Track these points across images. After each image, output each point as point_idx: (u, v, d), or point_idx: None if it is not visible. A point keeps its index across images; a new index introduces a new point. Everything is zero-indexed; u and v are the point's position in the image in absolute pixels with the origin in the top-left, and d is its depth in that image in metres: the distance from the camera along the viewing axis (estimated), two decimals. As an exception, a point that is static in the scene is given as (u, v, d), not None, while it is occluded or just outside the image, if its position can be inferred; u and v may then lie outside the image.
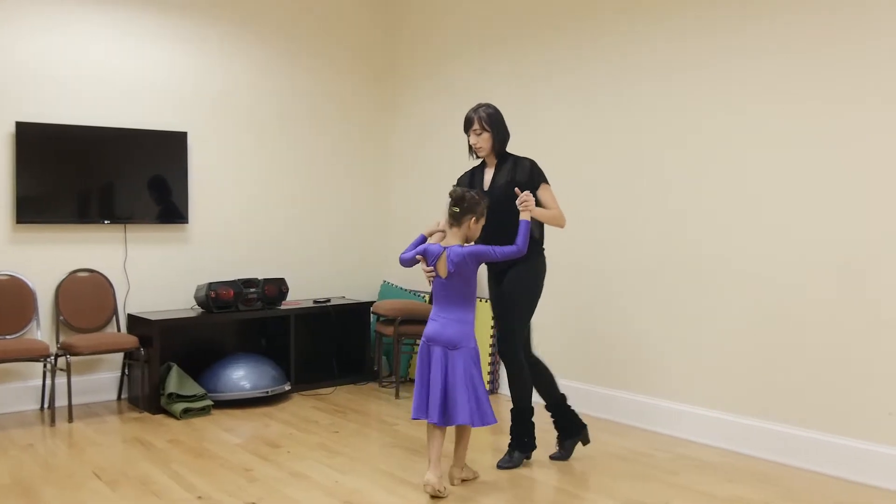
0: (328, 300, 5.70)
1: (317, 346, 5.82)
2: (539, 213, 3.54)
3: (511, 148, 3.83)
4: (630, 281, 4.51)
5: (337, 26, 6.07)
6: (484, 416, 3.34)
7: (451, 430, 3.56)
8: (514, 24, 5.23)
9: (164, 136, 5.19)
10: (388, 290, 6.11)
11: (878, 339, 3.47)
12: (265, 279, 5.25)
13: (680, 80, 4.25)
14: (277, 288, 5.28)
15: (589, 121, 4.74)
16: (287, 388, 5.12)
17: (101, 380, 5.06)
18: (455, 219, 3.41)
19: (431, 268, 3.43)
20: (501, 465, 3.70)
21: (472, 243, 3.51)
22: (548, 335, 5.00)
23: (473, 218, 3.42)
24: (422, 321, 5.14)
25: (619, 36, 4.55)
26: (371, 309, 5.64)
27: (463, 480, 3.49)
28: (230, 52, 5.54)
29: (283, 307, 5.35)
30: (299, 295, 5.88)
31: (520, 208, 3.45)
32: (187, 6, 5.34)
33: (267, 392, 4.93)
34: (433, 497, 3.30)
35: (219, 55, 5.49)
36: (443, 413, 3.34)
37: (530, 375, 3.74)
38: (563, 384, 4.88)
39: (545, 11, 5.00)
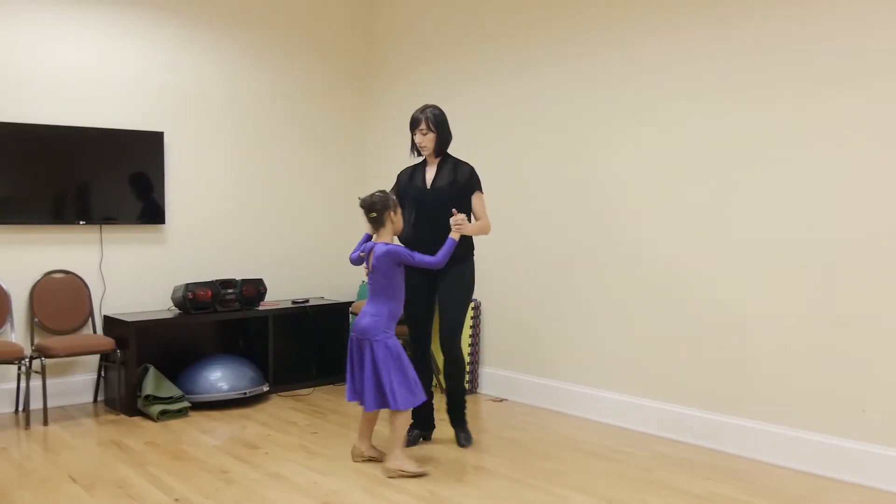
0: (307, 300, 5.69)
1: (295, 347, 5.80)
2: (469, 230, 3.77)
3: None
4: (601, 280, 4.54)
5: (314, 26, 6.06)
6: (389, 402, 3.52)
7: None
8: (488, 25, 5.25)
9: (141, 136, 5.15)
10: (366, 290, 6.10)
11: (853, 338, 3.52)
12: (243, 280, 5.22)
13: (630, 83, 4.28)
14: (255, 288, 5.26)
15: (553, 120, 4.77)
16: (265, 389, 5.10)
17: (77, 382, 5.02)
18: (376, 222, 3.70)
19: (367, 265, 3.72)
20: (464, 444, 4.03)
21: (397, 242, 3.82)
22: (519, 334, 5.03)
23: (391, 212, 3.68)
24: (400, 321, 5.14)
25: (586, 36, 4.58)
26: (350, 309, 5.64)
27: (401, 474, 3.55)
28: (206, 51, 5.51)
29: (261, 308, 5.33)
30: (277, 295, 5.87)
31: (452, 227, 3.70)
32: (164, 6, 5.30)
33: (245, 393, 4.92)
34: (388, 477, 3.53)
35: (195, 55, 5.46)
36: (365, 398, 3.59)
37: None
38: (538, 382, 4.90)
39: (518, 13, 5.02)
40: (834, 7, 3.57)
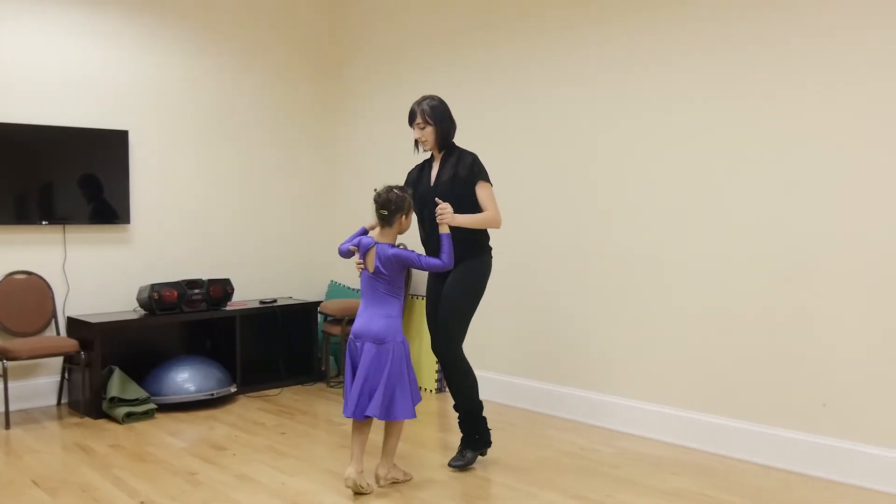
0: (275, 300, 5.66)
1: (263, 348, 5.76)
2: (461, 222, 3.45)
3: (463, 144, 3.80)
4: (574, 279, 4.57)
5: (282, 25, 6.03)
6: (407, 410, 3.33)
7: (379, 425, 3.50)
8: (458, 21, 5.25)
9: (105, 135, 5.08)
10: (335, 289, 6.09)
11: (812, 334, 3.58)
12: (210, 280, 5.18)
13: (628, 80, 4.32)
14: (222, 289, 5.22)
15: (535, 119, 4.79)
16: (233, 389, 5.06)
17: (40, 385, 4.94)
18: (385, 220, 3.43)
19: (361, 260, 3.44)
20: (453, 464, 3.65)
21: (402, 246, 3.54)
22: (494, 333, 5.04)
23: (403, 215, 3.42)
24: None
25: (558, 36, 4.60)
26: (318, 309, 5.62)
27: (394, 482, 3.44)
28: (172, 50, 5.46)
29: (228, 308, 5.29)
30: (245, 295, 5.83)
31: (437, 221, 3.44)
32: (128, 4, 5.24)
33: (212, 394, 4.88)
34: (355, 493, 3.31)
35: (161, 53, 5.40)
36: (372, 407, 3.28)
37: (472, 372, 3.66)
38: (510, 381, 4.92)
39: (490, 9, 5.03)
40: (816, 7, 3.63)
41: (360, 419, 3.32)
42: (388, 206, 3.40)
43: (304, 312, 5.72)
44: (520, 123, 4.87)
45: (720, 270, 3.92)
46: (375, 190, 3.47)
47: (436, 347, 3.63)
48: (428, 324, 3.80)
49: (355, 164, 6.15)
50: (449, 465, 3.67)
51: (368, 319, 3.38)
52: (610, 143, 4.38)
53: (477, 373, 5.13)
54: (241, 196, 5.84)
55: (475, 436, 3.70)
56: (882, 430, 3.38)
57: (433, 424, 4.48)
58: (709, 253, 3.96)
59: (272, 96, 5.99)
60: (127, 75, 5.26)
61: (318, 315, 5.74)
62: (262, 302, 5.58)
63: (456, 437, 4.19)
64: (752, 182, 3.79)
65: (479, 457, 3.76)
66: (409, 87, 5.63)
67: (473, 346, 5.20)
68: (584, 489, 3.41)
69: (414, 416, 3.36)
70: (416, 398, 3.39)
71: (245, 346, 5.49)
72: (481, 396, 5.05)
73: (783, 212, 3.68)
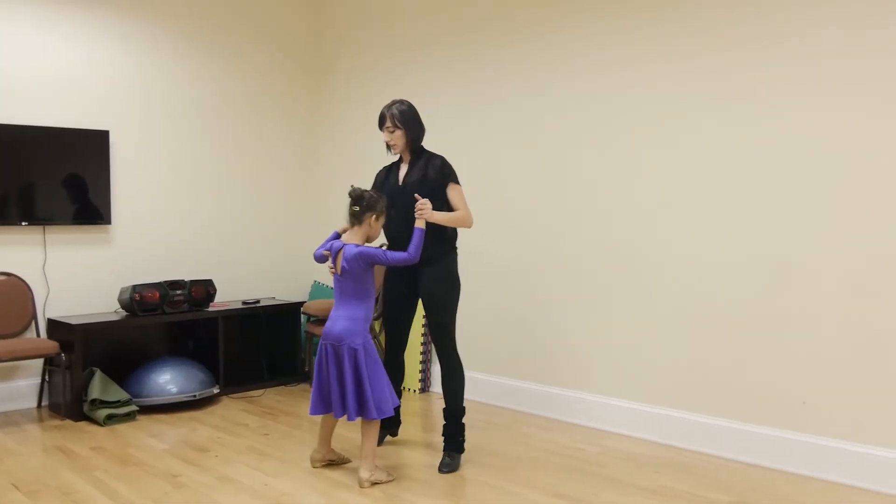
0: (257, 301, 5.63)
1: (246, 348, 5.73)
2: (438, 218, 3.55)
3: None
4: (560, 279, 4.58)
5: (264, 25, 6.00)
6: (369, 411, 3.37)
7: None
8: (442, 24, 5.25)
9: (85, 135, 5.04)
10: (318, 290, 6.07)
11: (791, 332, 3.61)
12: (192, 281, 5.15)
13: (605, 79, 4.33)
14: (205, 289, 5.19)
15: (513, 119, 4.79)
16: (215, 391, 5.03)
17: (20, 387, 4.89)
18: (356, 217, 3.49)
19: (332, 264, 3.51)
20: (443, 470, 3.64)
21: (375, 244, 3.60)
22: (474, 333, 5.05)
23: (374, 216, 3.48)
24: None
25: (536, 38, 4.61)
26: (301, 309, 5.60)
27: (374, 484, 3.43)
28: (153, 49, 5.42)
29: (210, 309, 5.26)
30: (228, 296, 5.80)
31: (415, 215, 3.51)
32: (109, 4, 5.20)
33: (195, 396, 4.85)
34: (361, 487, 3.40)
35: (141, 53, 5.36)
36: (339, 407, 3.43)
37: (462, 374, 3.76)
38: (491, 381, 4.93)
39: (474, 11, 5.04)
40: (805, 4, 3.65)
41: (319, 414, 3.50)
42: (361, 203, 3.47)
43: (287, 313, 5.69)
44: (501, 124, 4.88)
45: (703, 270, 3.94)
46: (352, 186, 3.55)
47: (437, 351, 3.72)
48: (386, 326, 3.88)
49: (338, 165, 6.14)
50: (440, 470, 3.66)
51: (333, 321, 3.46)
52: (591, 142, 4.39)
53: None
54: (223, 197, 5.81)
55: (459, 438, 3.74)
56: (862, 428, 3.41)
57: (417, 424, 4.48)
58: (691, 253, 3.98)
59: (254, 97, 5.96)
60: (108, 75, 5.21)
61: (301, 316, 5.72)
62: (244, 303, 5.55)
63: (440, 437, 4.20)
64: (736, 184, 3.82)
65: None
66: (392, 89, 5.62)
67: (466, 348, 5.20)
68: (569, 488, 3.42)
69: (388, 414, 3.40)
70: (383, 400, 3.39)
71: (228, 347, 5.46)
72: (469, 396, 5.08)
73: (766, 213, 3.71)
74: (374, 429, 3.44)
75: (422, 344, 5.30)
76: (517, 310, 4.82)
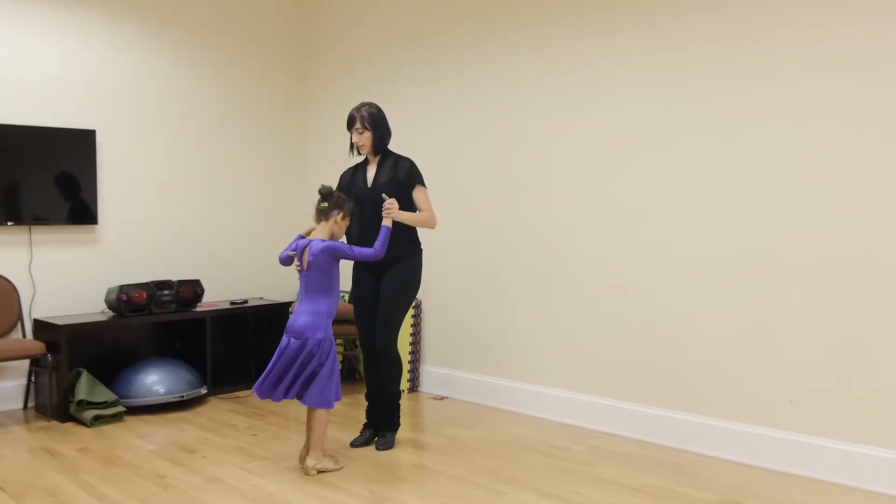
0: (245, 301, 5.63)
1: (234, 349, 5.73)
2: (404, 218, 3.73)
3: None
4: (540, 278, 4.60)
5: (250, 26, 5.99)
6: (313, 399, 3.50)
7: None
8: (427, 24, 5.26)
9: (72, 134, 5.02)
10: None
11: (778, 330, 3.64)
12: (179, 281, 5.14)
13: (573, 78, 4.35)
14: (192, 289, 5.18)
15: (491, 118, 4.81)
16: (203, 391, 5.03)
17: (6, 388, 4.87)
18: (323, 213, 3.65)
19: (299, 263, 3.63)
20: (381, 447, 3.94)
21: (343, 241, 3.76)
22: (465, 332, 5.06)
23: (340, 214, 3.66)
24: (339, 320, 5.13)
25: (512, 38, 4.63)
26: (289, 309, 5.59)
27: (321, 471, 3.57)
28: (140, 49, 5.40)
29: (198, 309, 5.25)
30: (215, 296, 5.79)
31: (383, 214, 3.67)
32: (95, 3, 5.17)
33: (182, 396, 4.84)
34: (307, 475, 3.55)
35: (128, 52, 5.35)
36: (284, 390, 3.55)
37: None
38: (477, 379, 4.94)
39: (455, 11, 5.04)
40: (779, 2, 3.68)
41: (262, 398, 3.62)
42: (329, 199, 3.63)
43: (275, 313, 5.69)
44: (466, 123, 4.89)
45: (688, 270, 3.96)
46: (322, 184, 3.73)
47: (377, 341, 3.89)
48: (357, 322, 4.02)
49: (325, 164, 6.13)
50: (377, 448, 3.93)
51: (296, 315, 3.59)
52: (556, 141, 4.41)
53: (449, 372, 5.16)
54: (211, 196, 5.80)
55: (394, 418, 4.02)
56: (847, 426, 3.44)
57: (406, 424, 4.48)
58: (675, 251, 4.00)
59: (242, 97, 5.95)
60: (95, 75, 5.19)
61: (289, 315, 5.71)
62: (232, 303, 5.55)
63: (430, 437, 4.21)
64: (710, 183, 3.84)
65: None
66: (379, 88, 5.63)
67: (443, 346, 5.21)
68: (555, 487, 3.43)
69: (328, 406, 3.53)
70: (329, 394, 3.53)
71: (215, 347, 5.46)
72: (456, 395, 5.11)
73: (745, 212, 3.73)
74: (322, 418, 3.56)
75: (410, 344, 5.31)
76: (504, 308, 4.83)
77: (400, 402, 4.03)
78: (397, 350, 3.95)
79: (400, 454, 3.92)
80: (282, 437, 4.25)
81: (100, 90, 5.23)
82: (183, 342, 5.45)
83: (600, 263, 4.33)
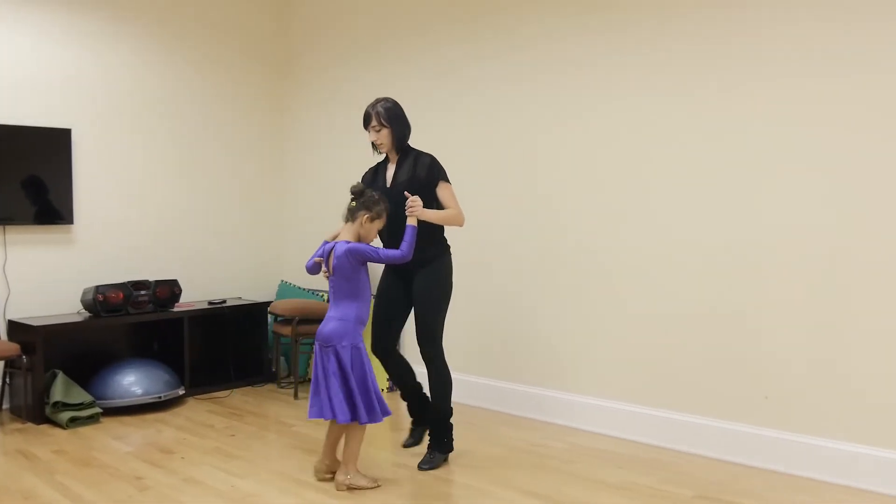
0: (224, 301, 5.59)
1: (212, 349, 5.68)
2: (430, 216, 3.51)
3: (414, 144, 3.84)
4: (525, 278, 4.61)
5: (228, 23, 5.95)
6: (360, 414, 3.29)
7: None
8: (409, 22, 5.25)
9: (46, 134, 4.96)
10: (286, 289, 6.04)
11: (753, 329, 3.67)
12: (157, 281, 5.09)
13: (583, 76, 4.36)
14: (170, 289, 5.14)
15: (488, 118, 4.81)
16: (181, 392, 4.98)
17: (-20, 390, 4.80)
18: (350, 213, 3.43)
19: (327, 269, 3.43)
20: (423, 466, 3.65)
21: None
22: (449, 331, 5.04)
23: (367, 216, 3.41)
24: (320, 320, 5.09)
25: (507, 35, 4.63)
26: (268, 309, 5.56)
27: (351, 487, 3.36)
28: (116, 47, 5.34)
29: (176, 309, 5.21)
30: (193, 296, 5.74)
31: (406, 213, 3.46)
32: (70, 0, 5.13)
33: (160, 397, 4.79)
34: (319, 480, 3.41)
35: (104, 50, 5.29)
36: (327, 409, 3.32)
37: (450, 375, 3.74)
38: (464, 379, 4.94)
39: (441, 8, 5.04)
40: (761, 2, 3.71)
41: (316, 418, 3.37)
42: (359, 198, 3.42)
43: (254, 313, 5.65)
44: (472, 122, 4.89)
45: (669, 270, 3.98)
46: (357, 181, 3.56)
47: (422, 352, 3.68)
48: (374, 326, 3.80)
49: (304, 162, 6.11)
50: (419, 467, 3.66)
51: (325, 322, 3.40)
52: (568, 144, 4.42)
53: (429, 371, 5.14)
54: (188, 195, 5.75)
55: (444, 439, 3.74)
56: (822, 422, 3.47)
57: (384, 424, 4.47)
58: (658, 253, 4.02)
59: (219, 94, 5.90)
60: (69, 72, 5.13)
61: (269, 315, 5.68)
62: (210, 303, 5.51)
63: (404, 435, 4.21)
64: (694, 183, 3.86)
65: (444, 461, 3.76)
66: (361, 86, 5.61)
67: (425, 345, 5.20)
68: (537, 485, 3.44)
69: (373, 420, 3.32)
70: (373, 405, 3.32)
71: (193, 347, 5.41)
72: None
73: (726, 211, 3.76)
74: (357, 433, 3.37)
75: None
76: (488, 309, 4.83)
77: (451, 421, 3.75)
78: (444, 361, 3.70)
79: (382, 453, 3.91)
80: (260, 438, 4.22)
81: (75, 89, 5.16)
82: (160, 343, 5.40)
83: (585, 262, 4.34)
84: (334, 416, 3.30)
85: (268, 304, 5.62)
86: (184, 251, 5.73)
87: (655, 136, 4.01)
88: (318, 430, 4.31)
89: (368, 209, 3.41)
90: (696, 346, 3.87)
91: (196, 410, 4.85)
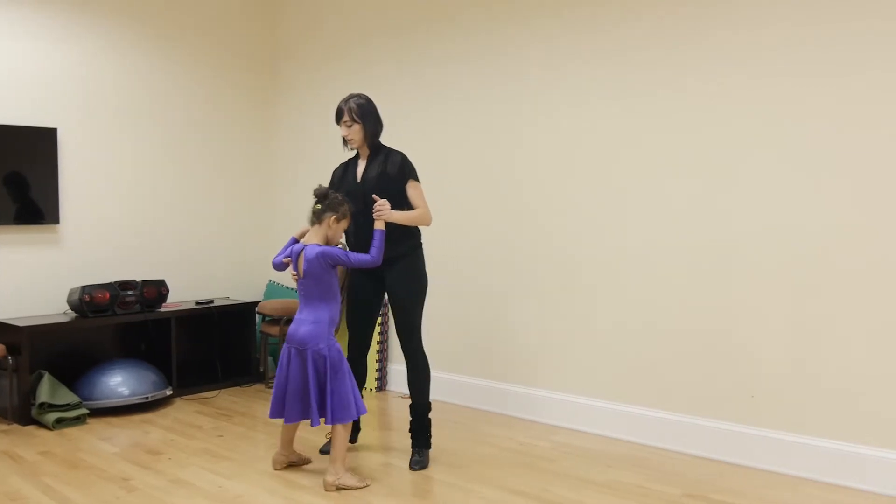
0: (211, 301, 5.57)
1: (200, 349, 5.67)
2: (397, 218, 3.53)
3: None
4: (508, 277, 4.62)
5: (215, 23, 5.93)
6: (336, 415, 3.35)
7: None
8: (397, 20, 5.25)
9: (32, 133, 4.93)
10: (273, 289, 6.03)
11: (739, 327, 3.70)
12: (144, 281, 5.08)
13: (562, 76, 4.38)
14: (157, 290, 5.12)
15: (468, 115, 4.82)
16: (168, 392, 4.97)
17: (-35, 391, 4.78)
18: (316, 216, 3.47)
19: (295, 270, 3.47)
20: (414, 467, 3.66)
21: (340, 246, 3.59)
22: (432, 330, 5.06)
23: (334, 217, 3.45)
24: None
25: (483, 36, 4.64)
26: (256, 309, 5.56)
27: (339, 488, 3.38)
28: (103, 45, 5.32)
29: (163, 309, 5.19)
30: (180, 296, 5.72)
31: (374, 217, 3.49)
32: (54, -3, 5.10)
33: (147, 398, 4.78)
34: (326, 490, 3.38)
35: (91, 49, 5.26)
36: (301, 411, 3.41)
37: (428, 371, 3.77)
38: (446, 378, 4.95)
39: (428, 7, 5.04)
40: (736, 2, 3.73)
41: (292, 422, 3.46)
42: (323, 201, 3.46)
43: (242, 313, 5.65)
44: (455, 120, 4.90)
45: (652, 267, 4.00)
46: (319, 184, 3.56)
47: (403, 348, 3.71)
48: (351, 328, 3.83)
49: (292, 162, 6.10)
50: (411, 468, 3.67)
51: (297, 324, 3.43)
52: (545, 143, 4.43)
53: (417, 371, 5.15)
54: (176, 195, 5.73)
55: (427, 434, 3.76)
56: (807, 421, 3.51)
57: (374, 424, 4.48)
58: (639, 250, 4.04)
59: (207, 93, 5.89)
60: (56, 71, 5.11)
61: (256, 315, 5.68)
62: (198, 303, 5.49)
63: (397, 435, 4.21)
64: (678, 180, 3.89)
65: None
66: (346, 85, 5.60)
67: (413, 345, 5.21)
68: (522, 484, 3.45)
69: (352, 418, 3.37)
70: (347, 404, 3.36)
71: (181, 347, 5.40)
72: (421, 394, 5.11)
73: (707, 209, 3.78)
74: (342, 433, 3.39)
75: (378, 343, 5.31)
76: (472, 308, 4.84)
77: (430, 415, 3.79)
78: (425, 355, 3.73)
79: (368, 453, 3.91)
80: (248, 438, 4.22)
81: (61, 88, 5.14)
82: (147, 343, 5.39)
83: (567, 261, 4.36)
84: (323, 418, 3.35)
85: (255, 304, 5.61)
86: (171, 251, 5.71)
87: (633, 135, 4.03)
88: (313, 432, 4.31)
89: (334, 211, 3.46)
90: (683, 345, 3.90)
91: (184, 411, 4.84)
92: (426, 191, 4.99)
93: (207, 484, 3.48)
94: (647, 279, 4.03)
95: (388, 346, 5.37)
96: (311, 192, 3.49)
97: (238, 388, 5.48)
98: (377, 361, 5.30)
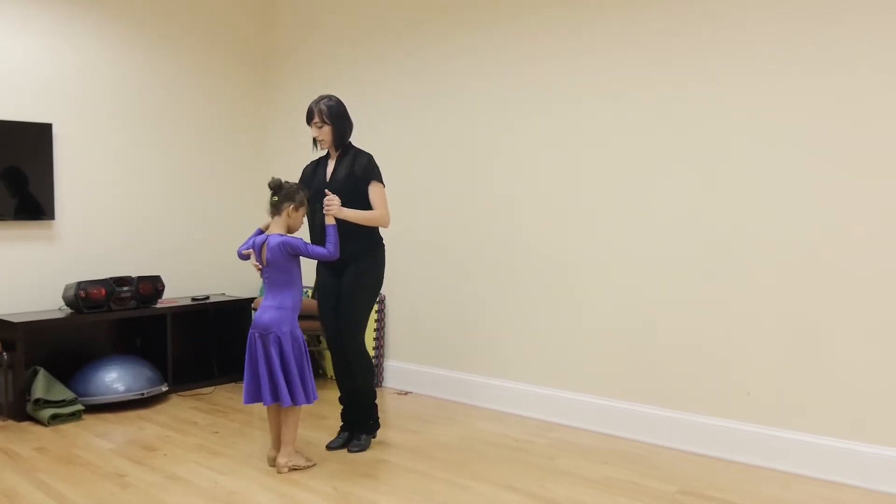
0: (207, 297, 5.57)
1: (196, 345, 5.67)
2: (348, 215, 3.65)
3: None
4: (502, 273, 4.62)
5: (211, 20, 5.92)
6: (297, 397, 3.49)
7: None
8: (391, 18, 5.24)
9: (27, 128, 4.92)
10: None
11: (735, 324, 3.70)
12: (139, 277, 5.07)
13: (528, 77, 4.38)
14: (152, 286, 5.11)
15: (448, 116, 4.81)
16: (164, 389, 4.97)
17: (-40, 387, 4.77)
18: (275, 207, 3.61)
19: (258, 261, 3.60)
20: (352, 450, 3.85)
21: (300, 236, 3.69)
22: (428, 326, 5.06)
23: (292, 206, 3.59)
24: (302, 316, 5.09)
25: (480, 36, 4.64)
26: (252, 305, 5.55)
27: (293, 468, 3.55)
28: (98, 41, 5.30)
29: (158, 306, 5.19)
30: (176, 293, 5.72)
31: (324, 212, 3.61)
32: (49, -8, 5.08)
33: (142, 394, 4.78)
34: (279, 473, 3.53)
35: (87, 45, 5.25)
36: (271, 394, 3.52)
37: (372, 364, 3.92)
38: (442, 374, 4.96)
39: (420, 6, 5.04)
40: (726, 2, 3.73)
41: (249, 403, 3.58)
42: (279, 192, 3.59)
43: (237, 309, 5.64)
44: (434, 120, 4.89)
45: (644, 261, 4.00)
46: (272, 177, 3.68)
47: (342, 343, 3.83)
48: (322, 319, 3.94)
49: (286, 159, 6.09)
50: (349, 450, 3.85)
51: (262, 311, 3.56)
52: (520, 135, 4.43)
53: (412, 367, 5.17)
54: (171, 191, 5.72)
55: (370, 421, 3.94)
56: (803, 417, 3.51)
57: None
58: (633, 245, 4.04)
59: (202, 90, 5.87)
60: (51, 67, 5.09)
61: (252, 311, 5.67)
62: (193, 299, 5.49)
63: (393, 432, 4.21)
64: (669, 177, 3.89)
65: (372, 439, 3.98)
66: (341, 81, 5.60)
67: (407, 341, 5.21)
68: (517, 480, 3.46)
69: (303, 402, 3.51)
70: (305, 388, 3.53)
71: (176, 344, 5.40)
72: (419, 390, 5.11)
73: (699, 205, 3.78)
74: (294, 415, 3.55)
75: (374, 339, 5.30)
76: (467, 304, 4.84)
77: (376, 402, 3.94)
78: (366, 350, 3.87)
79: (367, 450, 3.91)
80: (244, 434, 4.21)
81: (57, 84, 5.12)
82: (143, 339, 5.38)
83: (562, 259, 4.36)
84: (277, 401, 3.50)
85: (251, 300, 5.61)
86: (166, 247, 5.70)
87: (616, 131, 4.03)
88: (311, 430, 4.31)
89: (291, 199, 3.59)
90: (678, 341, 3.90)
91: (179, 407, 4.83)
92: (421, 190, 5.00)
93: (203, 480, 3.48)
94: (642, 276, 4.03)
95: (384, 343, 5.37)
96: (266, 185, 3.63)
97: (234, 384, 5.48)
98: (374, 358, 5.30)
